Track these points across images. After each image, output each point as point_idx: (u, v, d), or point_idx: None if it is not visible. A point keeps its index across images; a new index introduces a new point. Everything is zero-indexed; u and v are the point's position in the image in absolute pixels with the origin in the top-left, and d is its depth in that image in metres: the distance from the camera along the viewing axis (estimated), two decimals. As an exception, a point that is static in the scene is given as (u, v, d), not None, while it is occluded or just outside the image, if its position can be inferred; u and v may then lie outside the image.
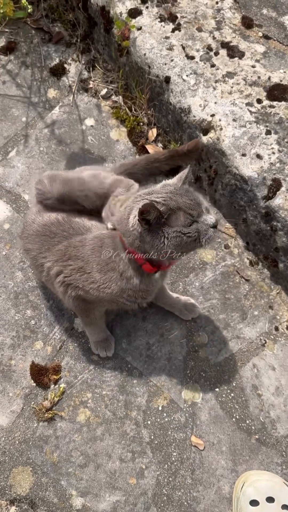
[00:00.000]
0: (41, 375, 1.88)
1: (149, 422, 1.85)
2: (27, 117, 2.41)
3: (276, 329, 2.01)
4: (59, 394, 1.86)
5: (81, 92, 2.48)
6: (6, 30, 2.58)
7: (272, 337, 1.99)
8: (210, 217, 1.48)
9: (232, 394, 1.90)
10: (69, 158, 2.31)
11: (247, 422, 1.85)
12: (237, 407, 1.88)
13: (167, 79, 2.15)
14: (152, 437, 1.83)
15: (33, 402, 1.87)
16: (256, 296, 2.06)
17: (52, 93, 2.47)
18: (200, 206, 1.47)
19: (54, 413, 1.84)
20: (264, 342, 1.98)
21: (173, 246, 1.45)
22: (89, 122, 2.41)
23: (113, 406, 1.87)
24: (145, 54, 2.20)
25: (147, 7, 2.29)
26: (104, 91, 2.46)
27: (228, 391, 1.90)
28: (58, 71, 2.51)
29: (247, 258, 2.13)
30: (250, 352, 1.96)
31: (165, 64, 2.16)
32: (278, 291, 2.08)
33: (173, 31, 2.23)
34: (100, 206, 1.78)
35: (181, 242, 1.45)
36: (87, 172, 1.85)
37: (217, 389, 1.90)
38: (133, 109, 2.39)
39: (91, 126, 2.40)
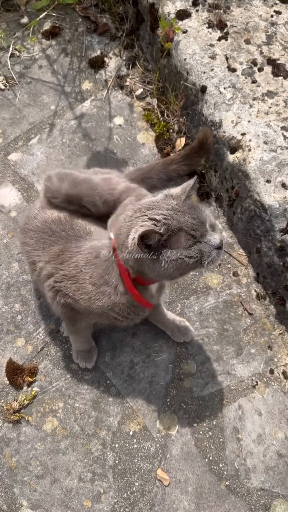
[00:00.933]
0: (16, 374, 1.80)
1: (116, 445, 1.75)
2: (56, 105, 2.33)
3: (271, 372, 1.86)
4: (30, 397, 1.79)
5: (116, 88, 2.39)
6: (53, 14, 2.51)
7: (265, 379, 1.85)
8: (215, 238, 1.35)
9: (210, 433, 1.77)
10: (91, 154, 2.23)
11: (220, 465, 1.72)
12: (212, 447, 1.75)
13: (203, 89, 2.03)
14: (117, 461, 1.73)
15: (2, 401, 1.80)
16: (256, 333, 1.92)
17: (86, 85, 2.39)
18: (203, 225, 1.35)
19: (21, 416, 1.77)
20: (255, 383, 1.84)
21: (173, 269, 1.34)
22: (118, 120, 2.31)
23: (83, 421, 1.78)
24: (185, 59, 2.09)
25: (197, 11, 2.17)
26: (139, 91, 2.36)
27: (207, 428, 1.77)
28: (97, 64, 2.43)
29: (255, 290, 2.00)
30: (238, 392, 1.83)
31: (204, 72, 2.04)
32: (281, 331, 1.93)
33: (219, 39, 2.10)
34: (107, 212, 1.68)
35: (182, 265, 1.34)
36: (99, 176, 1.76)
37: (195, 425, 1.78)
38: (165, 114, 2.28)
39: (119, 125, 2.30)
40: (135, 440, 1.76)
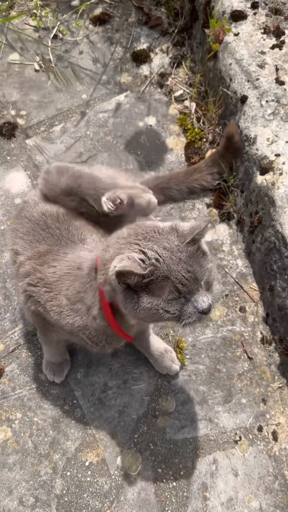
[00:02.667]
0: (-21, 372, 1.66)
1: (68, 473, 1.56)
2: (88, 95, 2.18)
3: (260, 429, 1.62)
4: (-12, 400, 1.64)
5: (155, 86, 2.21)
6: (107, 0, 2.37)
7: (250, 436, 1.61)
8: (203, 300, 1.14)
9: (174, 483, 1.55)
10: (112, 151, 2.06)
11: (178, 524, 1.50)
12: (174, 500, 1.53)
13: (244, 99, 1.81)
14: (65, 491, 1.54)
15: None
16: (252, 381, 1.68)
17: (125, 78, 2.23)
18: (196, 282, 1.13)
19: (-26, 419, 1.62)
20: (238, 438, 1.61)
21: (145, 315, 1.15)
22: (150, 120, 2.13)
23: (38, 439, 1.61)
24: (230, 64, 1.88)
25: (254, 13, 1.95)
26: (179, 93, 2.17)
27: (172, 478, 1.56)
28: (141, 58, 2.26)
29: (261, 332, 1.76)
30: (217, 444, 1.60)
31: (248, 81, 1.83)
32: (281, 385, 1.68)
33: (272, 47, 1.88)
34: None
35: (155, 315, 1.15)
36: (104, 171, 1.60)
37: (159, 470, 1.56)
38: (201, 121, 2.08)
39: (150, 125, 2.12)
40: (89, 473, 1.57)
